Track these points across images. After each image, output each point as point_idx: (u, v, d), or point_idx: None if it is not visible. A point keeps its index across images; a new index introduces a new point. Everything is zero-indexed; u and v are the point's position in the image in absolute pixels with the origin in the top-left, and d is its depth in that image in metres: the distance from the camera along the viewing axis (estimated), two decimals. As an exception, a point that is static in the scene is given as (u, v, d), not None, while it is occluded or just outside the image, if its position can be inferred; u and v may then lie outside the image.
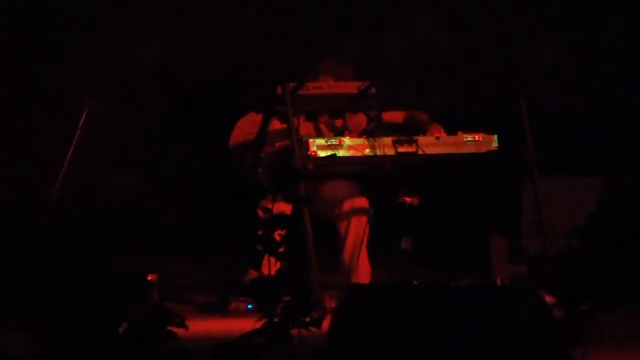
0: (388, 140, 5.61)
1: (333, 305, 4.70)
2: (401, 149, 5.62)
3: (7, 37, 7.18)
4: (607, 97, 7.28)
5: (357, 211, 5.96)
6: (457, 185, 6.73)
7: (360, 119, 6.01)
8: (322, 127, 6.02)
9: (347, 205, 5.97)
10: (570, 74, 7.35)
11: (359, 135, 5.73)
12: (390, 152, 5.60)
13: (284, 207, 5.47)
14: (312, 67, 5.96)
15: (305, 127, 5.93)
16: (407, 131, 5.77)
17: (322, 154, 5.47)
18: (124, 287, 2.96)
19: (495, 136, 5.75)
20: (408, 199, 5.81)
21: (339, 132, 5.91)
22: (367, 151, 5.57)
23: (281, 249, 3.13)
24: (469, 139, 5.74)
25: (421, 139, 5.65)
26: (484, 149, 5.74)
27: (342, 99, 5.74)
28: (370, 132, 5.74)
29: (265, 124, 5.66)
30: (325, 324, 3.10)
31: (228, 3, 7.57)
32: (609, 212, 6.48)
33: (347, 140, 5.56)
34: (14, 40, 7.21)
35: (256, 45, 7.42)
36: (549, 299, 3.56)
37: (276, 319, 3.04)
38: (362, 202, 5.99)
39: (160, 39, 7.39)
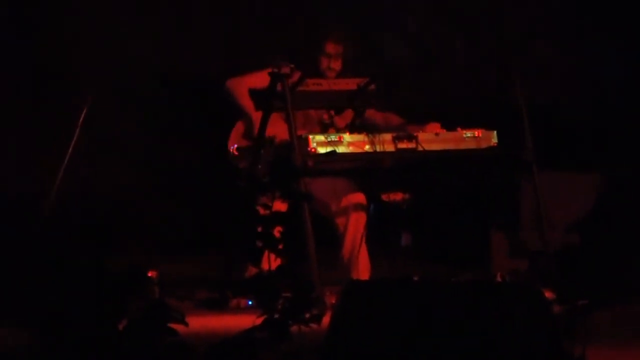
0: (388, 136, 5.60)
1: (333, 302, 4.71)
2: (401, 145, 5.61)
3: (2, 34, 7.17)
4: (605, 92, 7.28)
5: (355, 207, 5.96)
6: (456, 181, 6.73)
7: (346, 114, 6.01)
8: (312, 114, 6.01)
9: (345, 202, 5.97)
10: (569, 69, 7.34)
11: (345, 129, 5.74)
12: (390, 148, 5.59)
13: (279, 206, 5.46)
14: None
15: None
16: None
17: (321, 150, 5.47)
18: (123, 284, 2.97)
19: (495, 132, 5.76)
20: (394, 196, 5.81)
21: (329, 124, 5.92)
22: (367, 147, 5.56)
23: (281, 246, 3.13)
24: (469, 135, 5.74)
25: (421, 135, 5.65)
26: (483, 145, 5.74)
27: (342, 96, 5.74)
28: (355, 127, 5.75)
29: (264, 120, 5.65)
30: (326, 320, 3.10)
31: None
32: (607, 208, 6.48)
33: (346, 137, 5.55)
34: (11, 37, 7.19)
35: (255, 42, 7.41)
36: (548, 294, 3.56)
37: (276, 315, 3.04)
38: (359, 198, 5.99)
39: (158, 34, 7.38)
